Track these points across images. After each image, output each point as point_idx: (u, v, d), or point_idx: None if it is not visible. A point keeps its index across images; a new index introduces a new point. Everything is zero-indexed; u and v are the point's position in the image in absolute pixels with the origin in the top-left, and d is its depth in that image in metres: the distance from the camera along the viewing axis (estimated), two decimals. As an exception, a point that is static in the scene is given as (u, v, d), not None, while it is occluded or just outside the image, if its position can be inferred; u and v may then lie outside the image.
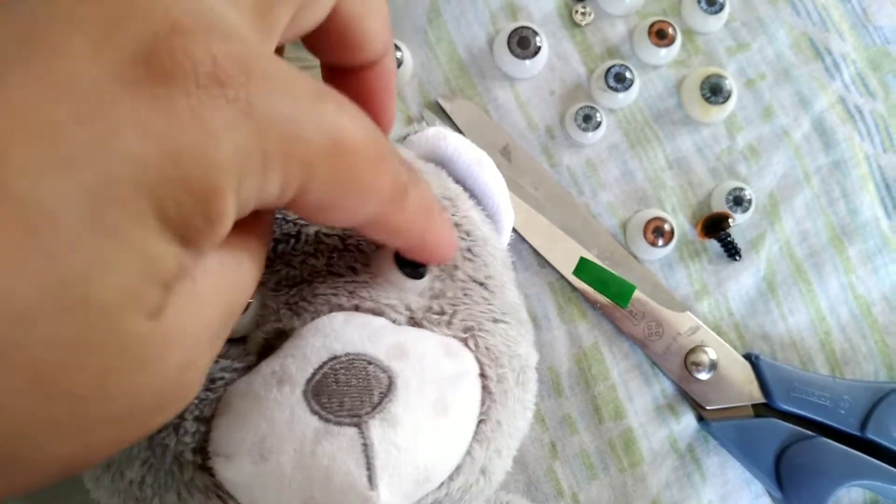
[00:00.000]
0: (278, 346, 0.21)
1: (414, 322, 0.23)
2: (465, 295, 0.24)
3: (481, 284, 0.25)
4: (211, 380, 0.21)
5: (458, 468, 0.22)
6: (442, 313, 0.23)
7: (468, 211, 0.26)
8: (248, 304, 0.22)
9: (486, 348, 0.23)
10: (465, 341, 0.23)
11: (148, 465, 0.21)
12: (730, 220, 0.35)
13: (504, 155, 0.37)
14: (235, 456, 0.20)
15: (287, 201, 0.15)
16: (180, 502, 0.21)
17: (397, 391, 0.20)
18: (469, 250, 0.25)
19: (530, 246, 0.36)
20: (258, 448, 0.20)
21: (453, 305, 0.24)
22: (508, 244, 0.31)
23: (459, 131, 0.36)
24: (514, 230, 0.35)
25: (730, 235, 0.36)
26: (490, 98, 0.37)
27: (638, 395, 0.35)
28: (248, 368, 0.21)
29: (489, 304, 0.24)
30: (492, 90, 0.37)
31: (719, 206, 0.36)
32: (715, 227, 0.35)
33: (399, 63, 0.36)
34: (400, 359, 0.21)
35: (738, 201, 0.36)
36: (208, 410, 0.21)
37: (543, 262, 0.35)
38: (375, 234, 0.19)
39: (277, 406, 0.20)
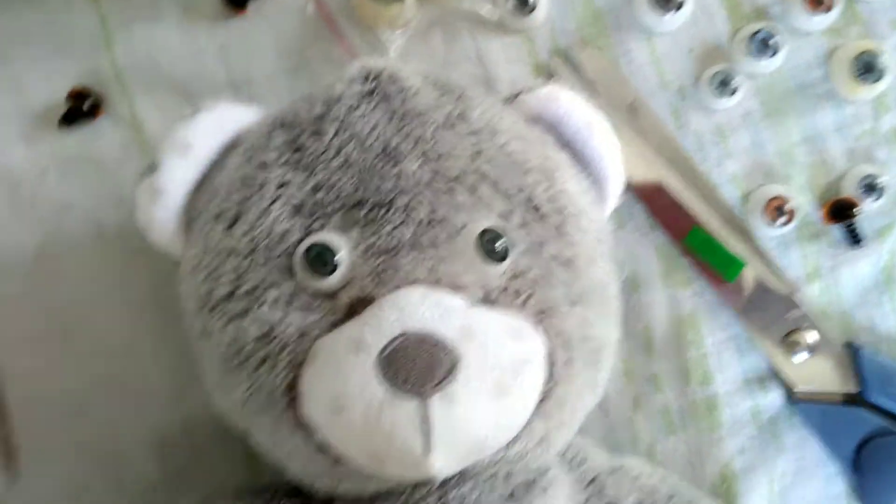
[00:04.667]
0: (361, 311, 0.23)
1: (488, 301, 0.24)
2: (546, 276, 0.25)
3: (565, 265, 0.25)
4: (303, 333, 0.23)
5: (517, 437, 0.24)
6: (518, 294, 0.24)
7: (565, 184, 0.26)
8: (337, 264, 0.24)
9: (557, 333, 0.24)
10: (536, 324, 0.24)
11: (249, 391, 0.24)
12: (856, 209, 0.34)
13: (630, 112, 0.36)
14: (317, 403, 0.23)
15: None
16: (272, 429, 0.24)
17: (459, 372, 0.22)
18: (558, 228, 0.26)
19: (644, 207, 0.36)
20: (335, 402, 0.22)
21: (531, 286, 0.24)
22: (621, 203, 0.31)
23: (587, 82, 0.36)
24: (630, 189, 0.35)
25: (854, 223, 0.35)
26: (623, 50, 0.36)
27: (728, 367, 0.35)
28: (336, 324, 0.23)
29: (569, 287, 0.25)
30: (626, 42, 0.36)
31: (850, 190, 0.35)
32: (841, 213, 0.34)
33: (533, 6, 0.36)
34: (466, 340, 0.22)
35: (871, 188, 0.35)
36: (299, 359, 0.23)
37: (655, 225, 0.36)
38: None
39: (353, 370, 0.22)
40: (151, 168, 0.27)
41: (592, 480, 0.31)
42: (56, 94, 0.34)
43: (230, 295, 0.25)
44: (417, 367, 0.22)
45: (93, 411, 0.33)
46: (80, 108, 0.34)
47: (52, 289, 0.34)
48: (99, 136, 0.35)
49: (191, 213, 0.28)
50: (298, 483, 0.26)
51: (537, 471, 0.27)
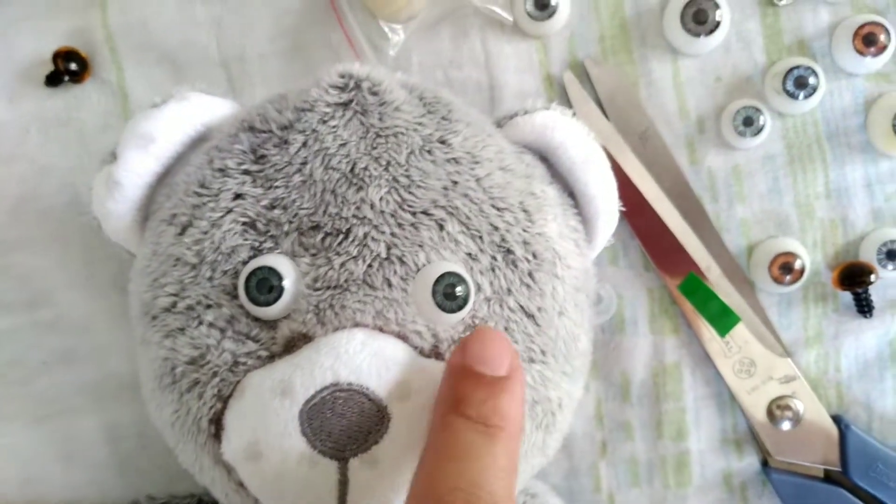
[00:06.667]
0: (300, 346, 0.22)
1: (437, 353, 0.22)
2: (505, 329, 0.23)
3: (530, 316, 0.24)
4: (235, 363, 0.22)
5: None
6: None
7: (545, 226, 0.25)
8: (282, 291, 0.22)
9: None
10: None
11: (177, 414, 0.23)
12: (872, 277, 0.31)
13: (641, 140, 0.33)
14: (234, 443, 0.22)
15: None
16: (195, 457, 0.24)
17: (387, 434, 0.21)
18: (530, 275, 0.24)
19: (640, 244, 0.33)
20: (252, 447, 0.21)
21: None
22: (617, 237, 0.29)
23: (599, 102, 0.33)
24: (628, 224, 0.33)
25: (866, 291, 0.32)
26: (644, 70, 0.33)
27: (706, 424, 0.33)
28: (272, 358, 0.22)
29: (530, 342, 0.24)
30: (649, 60, 0.33)
31: (868, 255, 0.32)
32: (852, 279, 0.31)
33: (554, 9, 0.33)
34: (401, 399, 0.21)
35: (892, 255, 0.32)
36: (227, 391, 0.22)
37: (649, 266, 0.33)
38: None
39: (275, 417, 0.21)
40: (112, 157, 0.26)
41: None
42: (44, 51, 0.33)
43: (171, 307, 0.24)
44: (342, 425, 0.21)
45: (45, 385, 0.33)
46: (67, 69, 0.33)
47: (22, 253, 0.34)
48: (83, 100, 0.34)
49: (150, 209, 0.27)
50: None
51: None
